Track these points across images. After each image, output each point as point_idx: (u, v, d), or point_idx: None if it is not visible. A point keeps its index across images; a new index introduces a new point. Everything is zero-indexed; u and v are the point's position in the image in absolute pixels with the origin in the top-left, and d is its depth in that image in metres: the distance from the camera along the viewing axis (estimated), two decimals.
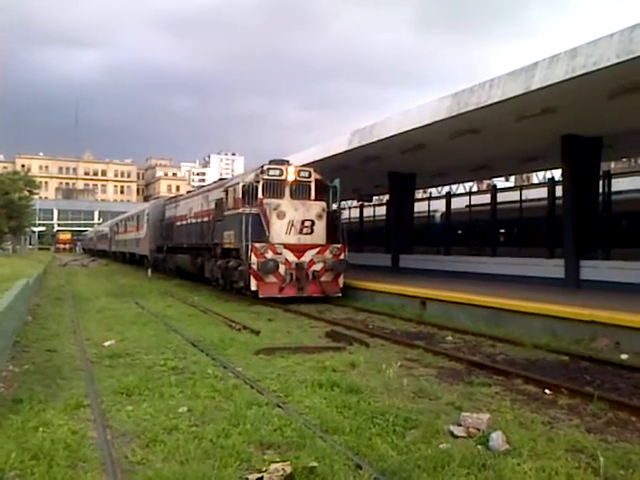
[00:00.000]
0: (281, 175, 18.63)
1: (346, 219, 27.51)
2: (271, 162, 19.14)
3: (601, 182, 20.20)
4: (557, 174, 24.60)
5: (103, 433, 5.64)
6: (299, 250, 17.97)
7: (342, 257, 18.53)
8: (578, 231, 17.81)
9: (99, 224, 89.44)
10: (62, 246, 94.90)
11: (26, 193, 56.69)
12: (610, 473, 4.82)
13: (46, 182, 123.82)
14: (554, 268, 18.67)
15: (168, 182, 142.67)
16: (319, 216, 18.56)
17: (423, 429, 5.79)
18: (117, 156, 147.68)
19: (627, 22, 12.05)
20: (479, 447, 5.34)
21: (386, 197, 34.62)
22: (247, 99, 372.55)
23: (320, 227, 18.54)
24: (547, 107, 14.23)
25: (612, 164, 32.41)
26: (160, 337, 11.28)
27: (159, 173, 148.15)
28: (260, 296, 17.47)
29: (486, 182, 42.27)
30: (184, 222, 26.93)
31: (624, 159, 33.42)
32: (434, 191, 37.34)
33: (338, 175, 19.86)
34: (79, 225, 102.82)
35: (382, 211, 35.49)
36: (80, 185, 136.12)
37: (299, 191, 18.81)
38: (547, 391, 7.64)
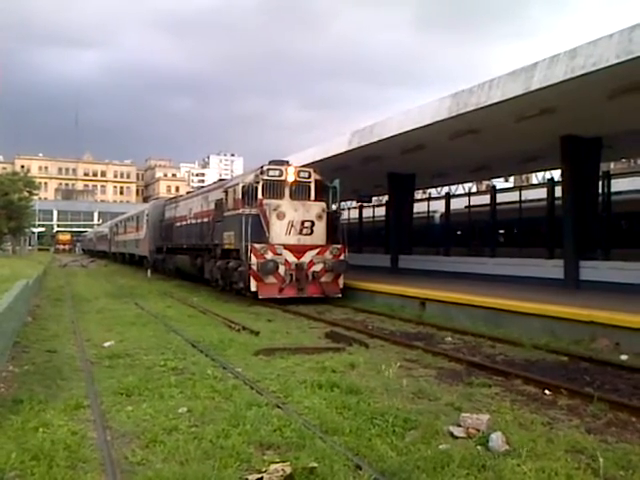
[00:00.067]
0: (281, 176, 18.62)
1: (345, 220, 27.52)
2: (271, 162, 19.13)
3: (601, 183, 20.22)
4: (557, 175, 24.62)
5: (103, 434, 5.65)
6: (299, 251, 17.96)
7: (342, 258, 18.53)
8: (578, 232, 17.82)
9: (99, 225, 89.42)
10: (62, 247, 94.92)
11: (26, 194, 56.62)
12: (610, 474, 4.82)
13: (45, 183, 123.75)
14: (553, 269, 18.68)
15: (167, 183, 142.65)
16: (319, 217, 18.56)
17: (423, 430, 5.79)
18: (116, 157, 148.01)
19: (626, 22, 12.08)
20: (479, 448, 5.34)
21: (385, 198, 34.64)
22: (246, 99, 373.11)
23: (320, 228, 18.54)
24: (547, 107, 14.24)
25: (612, 165, 32.41)
26: (160, 338, 11.28)
27: (158, 174, 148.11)
28: (260, 297, 17.46)
29: (485, 183, 42.27)
30: (184, 223, 26.93)
31: (624, 160, 33.42)
32: (433, 192, 37.38)
33: (338, 176, 19.87)
34: (79, 226, 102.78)
35: (381, 212, 35.49)
36: (80, 186, 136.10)
37: (299, 192, 18.79)
38: (547, 392, 7.64)
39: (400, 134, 18.14)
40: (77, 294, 21.12)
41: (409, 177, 26.51)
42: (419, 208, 31.58)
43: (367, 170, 24.08)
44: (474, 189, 39.88)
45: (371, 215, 38.13)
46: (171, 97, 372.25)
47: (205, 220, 23.06)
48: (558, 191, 20.47)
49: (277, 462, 4.85)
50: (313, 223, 18.40)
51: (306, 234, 18.30)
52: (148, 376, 7.97)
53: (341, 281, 18.64)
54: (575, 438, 5.71)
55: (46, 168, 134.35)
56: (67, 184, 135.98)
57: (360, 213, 39.26)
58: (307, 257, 18.00)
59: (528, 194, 26.93)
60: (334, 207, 19.71)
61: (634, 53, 10.94)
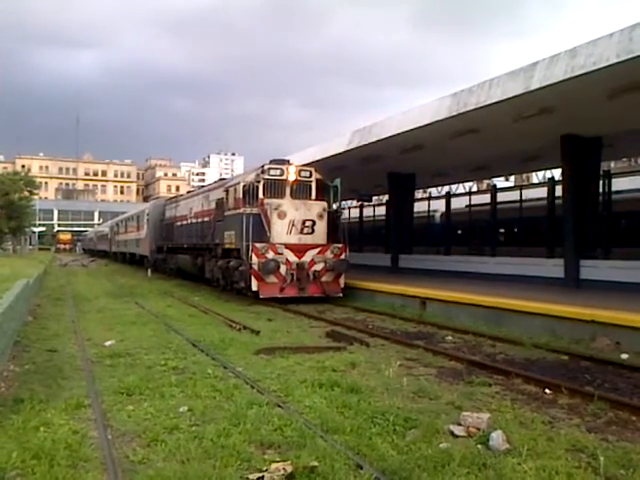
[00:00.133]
0: (282, 175, 18.62)
1: (346, 219, 27.51)
2: (272, 162, 19.11)
3: (601, 182, 20.21)
4: (557, 174, 24.62)
5: (104, 433, 5.65)
6: (300, 250, 17.95)
7: (343, 257, 18.51)
8: (578, 231, 17.82)
9: (99, 224, 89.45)
10: (62, 246, 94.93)
11: (26, 193, 56.69)
12: (610, 472, 4.83)
13: (46, 182, 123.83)
14: (554, 268, 18.68)
15: (168, 182, 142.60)
16: (320, 216, 18.54)
17: (423, 429, 5.80)
18: (117, 156, 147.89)
19: (626, 22, 12.09)
20: (479, 446, 5.34)
21: (386, 197, 34.63)
22: (246, 99, 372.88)
23: (321, 227, 18.52)
24: (547, 107, 14.24)
25: (612, 164, 32.41)
26: (160, 337, 11.29)
27: (159, 173, 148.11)
28: (261, 296, 17.45)
29: (486, 182, 42.28)
30: (184, 222, 26.93)
31: (624, 159, 33.43)
32: (434, 191, 37.36)
33: (338, 175, 19.86)
34: (79, 225, 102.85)
35: (382, 211, 35.49)
36: (80, 185, 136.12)
37: (300, 191, 18.78)
38: (547, 391, 7.64)
39: (400, 134, 18.15)
40: (78, 293, 21.14)
41: (409, 177, 26.51)
42: (419, 207, 31.59)
43: (367, 170, 24.08)
44: (474, 188, 39.86)
45: (371, 214, 38.13)
46: (171, 97, 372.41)
47: (206, 219, 23.06)
48: (558, 190, 20.47)
49: (278, 461, 4.86)
50: (314, 222, 18.38)
51: (307, 233, 18.28)
52: (149, 375, 7.98)
53: (342, 280, 18.63)
54: (575, 437, 5.71)
55: (47, 168, 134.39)
56: (67, 184, 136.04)
57: (360, 212, 39.26)
58: (308, 256, 17.99)
59: (528, 193, 26.92)
60: (335, 206, 19.69)
61: (634, 52, 10.93)
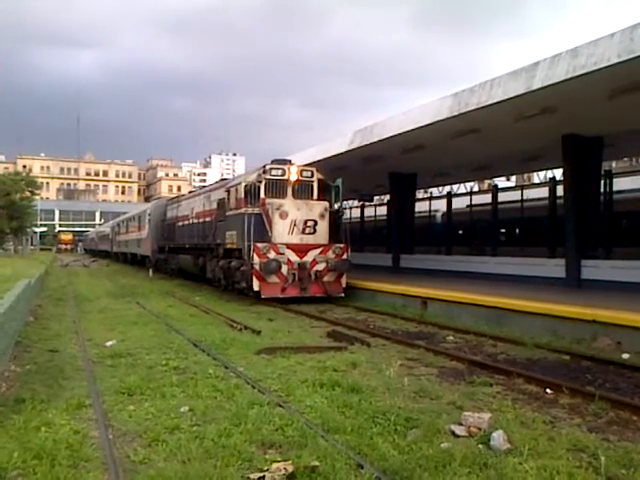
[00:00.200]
0: (283, 175, 18.61)
1: (347, 219, 27.52)
2: (273, 162, 19.11)
3: (602, 182, 20.20)
4: (558, 173, 24.63)
5: (105, 433, 5.66)
6: (302, 250, 17.93)
7: (345, 257, 18.50)
8: (579, 230, 17.81)
9: (100, 224, 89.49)
10: (63, 246, 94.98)
11: (27, 194, 56.84)
12: (611, 472, 4.82)
13: (47, 183, 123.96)
14: (555, 268, 18.67)
15: (169, 182, 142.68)
16: (322, 216, 18.52)
17: (424, 428, 5.80)
18: (118, 157, 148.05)
19: (627, 22, 12.08)
20: (480, 446, 5.34)
21: (387, 197, 34.62)
22: (246, 98, 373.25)
23: (323, 227, 18.50)
24: (548, 107, 14.23)
25: (613, 163, 32.39)
26: (161, 337, 11.29)
27: (160, 173, 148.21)
28: (262, 296, 17.44)
29: (487, 182, 42.25)
30: (186, 222, 26.94)
31: (625, 158, 33.41)
32: (435, 191, 37.35)
33: (339, 175, 19.85)
34: (80, 226, 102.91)
35: (383, 211, 35.47)
36: (81, 185, 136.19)
37: (302, 191, 18.78)
38: (548, 390, 7.64)
39: (401, 134, 18.15)
40: (79, 294, 21.15)
41: (410, 176, 26.51)
42: (421, 207, 31.58)
43: (368, 170, 24.08)
44: (476, 188, 39.84)
45: (373, 214, 38.12)
46: (172, 97, 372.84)
47: (207, 219, 23.07)
48: (560, 190, 20.48)
49: (279, 461, 4.86)
50: (316, 222, 18.37)
51: (309, 233, 18.27)
52: (150, 375, 7.99)
53: (344, 280, 18.60)
54: (577, 437, 5.71)
55: (48, 168, 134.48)
56: (69, 184, 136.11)
57: (362, 212, 39.26)
58: (310, 256, 17.98)
59: (530, 193, 26.93)
60: (337, 206, 19.67)
61: (635, 52, 10.93)
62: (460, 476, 4.71)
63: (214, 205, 22.12)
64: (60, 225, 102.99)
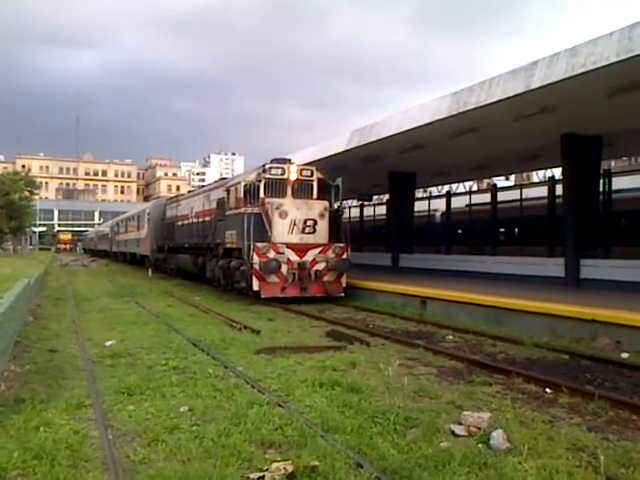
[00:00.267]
0: (283, 174, 18.57)
1: (346, 219, 27.54)
2: (273, 161, 19.07)
3: (601, 181, 20.21)
4: (557, 173, 24.62)
5: (105, 433, 5.66)
6: (301, 249, 17.90)
7: (345, 256, 18.47)
8: (578, 230, 17.81)
9: (99, 224, 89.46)
10: (63, 246, 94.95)
11: (26, 193, 56.79)
12: (611, 471, 4.82)
13: (46, 182, 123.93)
14: (554, 267, 18.68)
15: (168, 182, 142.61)
16: (321, 215, 18.48)
17: (424, 428, 5.80)
18: (117, 156, 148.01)
19: (626, 21, 12.07)
20: (480, 446, 5.34)
21: (386, 196, 34.61)
22: (246, 98, 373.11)
23: (322, 226, 18.47)
24: (547, 106, 14.24)
25: (612, 163, 32.41)
26: (161, 337, 11.29)
27: (159, 173, 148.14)
28: (262, 296, 17.42)
29: (486, 181, 42.26)
30: (185, 222, 26.93)
31: (624, 158, 33.42)
32: (434, 190, 37.35)
33: (338, 175, 19.83)
34: (79, 225, 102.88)
35: (382, 210, 35.48)
36: (80, 185, 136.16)
37: (301, 190, 18.75)
38: (548, 390, 7.64)
39: (400, 133, 18.14)
40: (78, 293, 21.14)
41: (409, 176, 26.50)
42: (420, 207, 31.56)
43: (367, 169, 24.08)
44: (475, 187, 39.86)
45: (372, 214, 38.12)
46: (171, 96, 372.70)
47: (207, 219, 23.05)
48: (559, 189, 20.47)
49: (278, 461, 4.86)
50: (315, 222, 18.33)
51: (308, 233, 18.23)
52: (149, 375, 7.99)
53: (344, 280, 18.57)
54: (576, 436, 5.71)
55: (47, 168, 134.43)
56: (68, 184, 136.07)
57: (361, 212, 39.25)
58: (310, 256, 17.95)
59: (529, 192, 26.93)
60: (336, 205, 19.64)
61: (634, 51, 10.93)
62: (460, 475, 4.72)
63: (213, 204, 22.10)
64: (59, 225, 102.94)
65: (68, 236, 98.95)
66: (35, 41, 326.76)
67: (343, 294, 18.33)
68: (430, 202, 33.65)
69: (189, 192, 36.81)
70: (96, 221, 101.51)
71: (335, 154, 21.86)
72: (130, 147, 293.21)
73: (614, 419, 6.49)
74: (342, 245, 18.57)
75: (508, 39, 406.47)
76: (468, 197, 31.39)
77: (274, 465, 4.74)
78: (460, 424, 5.90)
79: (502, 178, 40.64)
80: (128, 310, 15.91)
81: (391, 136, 18.56)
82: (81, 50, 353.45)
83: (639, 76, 11.94)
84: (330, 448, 5.18)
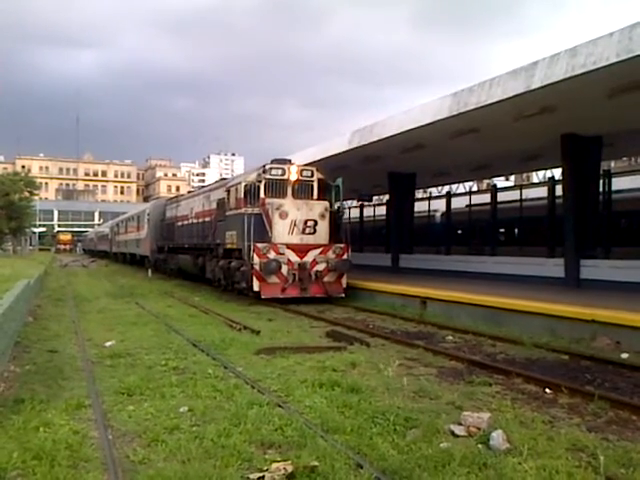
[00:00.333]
0: (283, 174, 18.56)
1: (346, 219, 27.54)
2: (273, 161, 19.05)
3: (601, 181, 20.21)
4: (557, 173, 24.62)
5: (104, 433, 5.66)
6: (302, 250, 17.88)
7: (345, 257, 18.45)
8: (578, 230, 17.82)
9: (99, 225, 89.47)
10: (62, 247, 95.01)
11: (26, 194, 56.79)
12: (611, 472, 4.82)
13: (46, 183, 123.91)
14: (554, 267, 18.68)
15: (168, 182, 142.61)
16: (322, 216, 18.45)
17: (424, 428, 5.80)
18: (117, 157, 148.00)
19: (626, 21, 12.08)
20: (480, 446, 5.34)
21: (386, 197, 34.61)
22: (246, 98, 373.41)
23: (323, 227, 18.44)
24: (547, 106, 14.24)
25: (612, 163, 32.41)
26: (161, 337, 11.29)
27: (159, 174, 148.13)
28: (263, 297, 17.40)
29: (486, 181, 42.26)
30: (185, 222, 26.92)
31: (624, 158, 33.42)
32: (434, 191, 37.35)
33: (338, 175, 19.83)
34: (79, 226, 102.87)
35: (382, 211, 35.49)
36: (80, 186, 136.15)
37: (302, 190, 18.74)
38: (547, 390, 7.64)
39: (400, 133, 18.14)
40: (78, 294, 21.14)
41: (410, 176, 26.50)
42: (420, 207, 31.57)
43: (368, 169, 24.08)
44: (475, 188, 39.85)
45: (372, 214, 38.12)
46: (171, 97, 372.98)
47: (207, 219, 23.04)
48: (559, 190, 20.47)
49: (278, 461, 4.87)
50: (316, 222, 18.30)
51: (309, 233, 18.21)
52: (149, 376, 7.99)
53: (344, 281, 18.55)
54: (576, 436, 5.71)
55: (47, 168, 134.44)
56: (68, 184, 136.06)
57: (361, 212, 39.26)
58: (310, 256, 17.93)
59: (529, 193, 26.95)
60: (337, 206, 19.61)
61: (634, 52, 10.93)
62: (459, 476, 4.71)
63: (214, 205, 22.09)
64: (59, 225, 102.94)
65: (68, 237, 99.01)
66: (35, 41, 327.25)
67: (344, 295, 18.30)
68: (430, 202, 33.66)
69: (189, 192, 36.81)
70: (96, 222, 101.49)
71: (335, 154, 21.85)
72: (130, 147, 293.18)
73: (614, 419, 6.49)
74: (342, 246, 18.54)
75: (508, 39, 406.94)
76: (468, 197, 31.39)
77: (274, 465, 4.74)
78: (460, 424, 5.89)
79: (502, 179, 40.68)
80: (128, 311, 15.90)
81: (392, 136, 18.56)
82: (81, 50, 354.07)
83: (639, 76, 11.94)
84: (330, 448, 5.18)
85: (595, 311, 11.40)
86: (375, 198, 35.50)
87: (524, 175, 41.94)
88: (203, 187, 29.68)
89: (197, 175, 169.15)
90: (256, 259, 17.36)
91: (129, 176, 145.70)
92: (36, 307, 16.27)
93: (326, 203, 18.77)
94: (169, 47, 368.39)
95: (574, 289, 16.91)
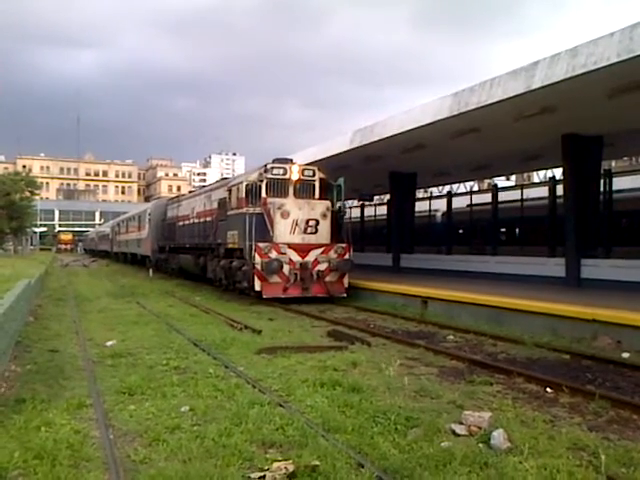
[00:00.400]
0: (285, 174, 18.54)
1: (347, 219, 27.45)
2: (275, 161, 19.03)
3: (602, 181, 20.20)
4: (558, 173, 24.62)
5: (106, 432, 5.66)
6: (303, 250, 17.86)
7: (347, 257, 18.42)
8: (579, 230, 17.81)
9: (100, 224, 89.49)
10: (63, 247, 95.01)
11: (27, 194, 56.84)
12: (612, 471, 4.82)
13: (47, 183, 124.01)
14: (555, 267, 18.68)
15: (169, 182, 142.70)
16: (323, 215, 18.41)
17: (425, 428, 5.80)
18: (118, 157, 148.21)
19: (626, 21, 12.07)
20: (481, 445, 5.34)
21: (387, 197, 34.60)
22: (247, 98, 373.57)
23: (324, 226, 18.40)
24: (548, 106, 14.23)
25: (613, 163, 32.39)
26: (162, 337, 11.29)
27: (160, 173, 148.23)
28: (264, 296, 17.37)
29: (487, 181, 42.23)
30: (186, 222, 26.90)
31: (625, 158, 33.39)
32: (435, 190, 37.34)
33: (339, 175, 19.82)
34: (80, 226, 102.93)
35: (383, 211, 35.46)
36: (81, 186, 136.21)
37: (303, 190, 18.72)
38: (548, 389, 7.64)
39: (401, 133, 18.14)
40: (79, 294, 21.14)
41: (410, 176, 26.50)
42: (421, 207, 31.57)
43: (368, 169, 24.07)
44: (475, 188, 39.83)
45: (373, 214, 38.10)
46: (172, 97, 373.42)
47: (208, 219, 23.03)
48: (559, 189, 20.48)
49: (280, 460, 4.87)
50: (317, 222, 18.27)
51: (310, 233, 18.18)
52: (150, 375, 7.99)
53: (346, 280, 18.52)
54: (577, 435, 5.72)
55: (47, 168, 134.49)
56: (69, 184, 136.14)
57: (362, 212, 39.25)
58: (311, 256, 17.90)
59: (529, 192, 26.92)
60: (338, 205, 19.58)
61: (635, 52, 10.93)
62: (460, 475, 4.72)
63: (215, 205, 22.07)
64: (60, 225, 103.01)
65: (69, 236, 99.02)
66: (35, 41, 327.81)
67: (345, 295, 18.27)
68: (431, 202, 33.65)
69: (190, 192, 36.79)
70: (97, 221, 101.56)
71: (337, 154, 21.85)
72: (131, 147, 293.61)
73: (615, 419, 6.49)
74: (344, 245, 18.51)
75: (508, 39, 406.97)
76: (469, 197, 31.37)
77: (275, 465, 4.74)
78: (461, 424, 5.90)
79: (503, 178, 40.64)
80: (129, 310, 15.91)
81: (392, 136, 18.56)
82: (81, 50, 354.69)
83: None
84: (331, 448, 5.18)
85: (596, 310, 11.40)
86: (376, 198, 35.52)
87: (525, 175, 41.90)
88: (204, 187, 29.66)
89: (198, 175, 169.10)
90: (258, 259, 17.35)
91: (130, 176, 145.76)
92: (37, 307, 16.28)
93: (328, 203, 18.74)
94: (169, 47, 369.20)
95: (575, 289, 16.91)
